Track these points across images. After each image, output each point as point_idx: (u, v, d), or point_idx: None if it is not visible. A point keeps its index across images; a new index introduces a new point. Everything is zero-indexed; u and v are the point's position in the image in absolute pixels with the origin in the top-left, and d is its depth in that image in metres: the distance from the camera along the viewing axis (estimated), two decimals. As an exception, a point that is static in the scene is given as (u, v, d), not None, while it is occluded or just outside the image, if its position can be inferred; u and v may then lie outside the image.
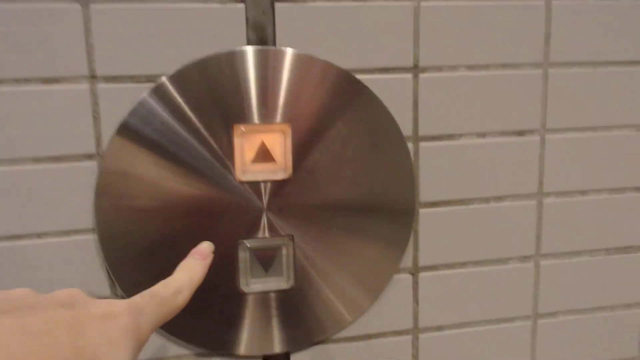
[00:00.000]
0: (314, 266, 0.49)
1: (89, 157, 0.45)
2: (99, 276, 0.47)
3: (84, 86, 0.44)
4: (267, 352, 0.49)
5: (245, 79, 0.45)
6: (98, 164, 0.45)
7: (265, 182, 0.47)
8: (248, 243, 0.47)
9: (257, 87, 0.45)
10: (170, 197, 0.45)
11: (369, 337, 0.51)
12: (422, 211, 0.50)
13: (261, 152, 0.47)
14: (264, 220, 0.47)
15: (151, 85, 0.44)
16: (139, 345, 0.28)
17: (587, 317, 0.55)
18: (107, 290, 0.47)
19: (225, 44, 0.45)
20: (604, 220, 0.53)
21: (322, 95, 0.46)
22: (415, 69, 0.48)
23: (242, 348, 0.49)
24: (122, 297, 0.47)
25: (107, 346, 0.26)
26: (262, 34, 0.45)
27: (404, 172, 0.49)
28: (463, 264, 0.52)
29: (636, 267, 0.55)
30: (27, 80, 0.43)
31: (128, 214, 0.45)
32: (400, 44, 0.47)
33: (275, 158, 0.47)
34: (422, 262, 0.51)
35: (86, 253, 0.46)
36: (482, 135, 0.50)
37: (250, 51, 0.45)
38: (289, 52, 0.45)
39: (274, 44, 0.46)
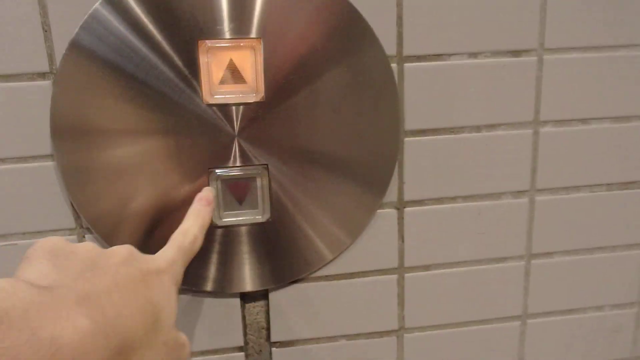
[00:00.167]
0: (291, 199, 0.45)
1: (42, 75, 0.41)
2: (63, 207, 0.43)
3: (32, -5, 0.40)
4: (244, 289, 0.46)
5: (210, -12, 0.41)
6: (53, 84, 0.41)
7: (236, 105, 0.43)
8: (218, 172, 0.44)
9: (224, -2, 0.41)
10: (131, 121, 0.42)
11: (351, 275, 0.48)
12: (407, 140, 0.47)
13: (230, 71, 0.43)
14: (235, 147, 0.44)
15: (106, -6, 0.40)
16: (178, 291, 0.34)
17: (585, 257, 0.52)
18: (72, 222, 0.44)
19: (187, -52, 0.40)
20: (606, 153, 0.49)
21: (299, 8, 0.42)
22: (400, -19, 0.44)
23: (218, 285, 0.46)
24: (88, 229, 0.43)
25: (163, 295, 0.31)
26: (228, -62, 0.41)
27: (387, 96, 0.45)
28: (452, 199, 0.48)
29: (639, 204, 0.51)
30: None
31: (87, 140, 0.42)
32: (383, -49, 0.43)
33: (246, 78, 0.43)
34: (407, 196, 0.48)
35: (47, 182, 0.43)
36: (474, 55, 0.46)
37: (215, -44, 0.41)
38: (259, -41, 0.41)
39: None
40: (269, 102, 0.43)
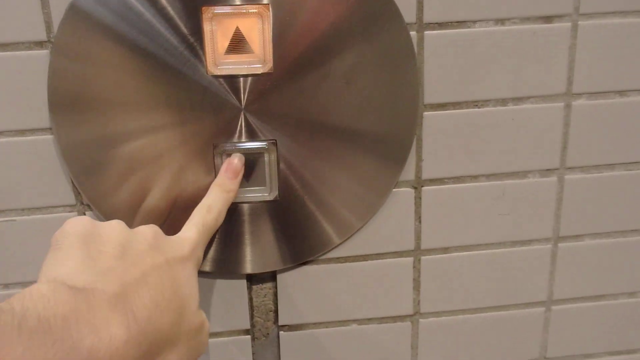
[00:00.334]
0: (301, 177, 0.43)
1: (40, 44, 0.39)
2: (63, 183, 0.42)
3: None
4: (250, 270, 0.44)
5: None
6: (50, 53, 0.39)
7: (243, 77, 0.40)
8: (224, 147, 0.42)
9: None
10: (132, 93, 0.40)
11: (364, 257, 0.46)
12: (427, 114, 0.43)
13: (236, 40, 0.40)
14: (242, 121, 0.41)
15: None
16: (197, 267, 0.34)
17: (617, 241, 0.49)
18: (72, 199, 0.42)
19: None
20: (643, 129, 0.46)
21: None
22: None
23: (222, 265, 0.44)
24: (88, 206, 0.42)
25: (188, 284, 0.31)
26: None
27: (406, 67, 0.42)
28: (474, 177, 0.45)
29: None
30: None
31: (87, 113, 0.40)
32: None
33: (253, 48, 0.40)
34: (426, 175, 0.45)
35: (47, 156, 0.41)
36: (501, 21, 0.42)
37: None
38: None
39: None
40: (278, 73, 0.40)
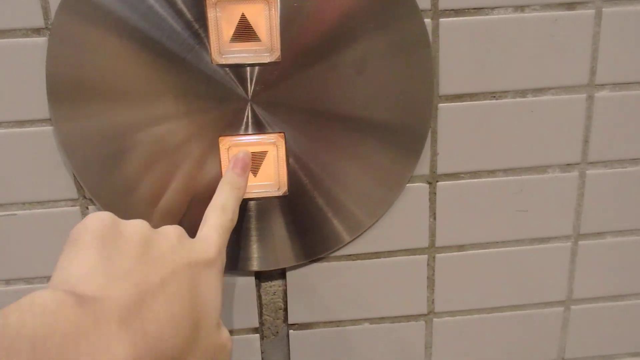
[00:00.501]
0: (310, 171, 0.41)
1: (37, 31, 0.38)
2: (65, 176, 0.40)
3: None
4: (258, 267, 0.43)
5: None
6: (48, 40, 0.37)
7: (249, 66, 0.39)
8: (230, 140, 0.40)
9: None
10: (134, 82, 0.38)
11: (376, 255, 0.44)
12: (442, 106, 0.41)
13: (242, 27, 0.38)
14: (249, 113, 0.40)
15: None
16: (222, 270, 0.32)
17: (638, 239, 0.46)
18: (74, 192, 0.41)
19: None
20: (670, 121, 0.43)
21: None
22: None
23: (229, 262, 0.42)
24: (91, 201, 0.40)
25: (211, 291, 0.29)
26: None
27: (420, 56, 0.40)
28: (491, 172, 0.43)
29: None
30: None
31: (86, 103, 0.38)
32: None
33: (260, 35, 0.38)
34: (441, 169, 0.43)
35: (47, 148, 0.40)
36: (520, 8, 0.40)
37: None
38: None
39: None
40: (286, 62, 0.39)
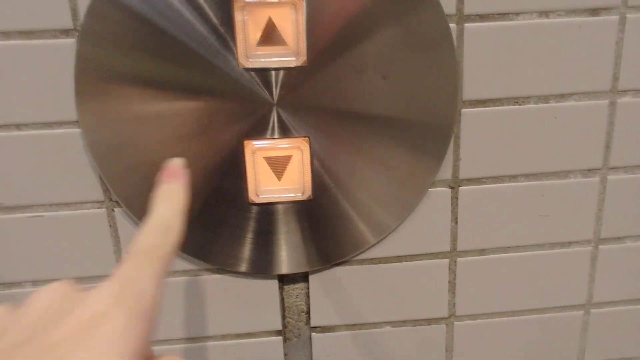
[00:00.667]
0: (334, 176, 0.41)
1: (65, 32, 0.38)
2: (91, 178, 0.40)
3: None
4: (282, 271, 0.43)
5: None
6: (77, 42, 0.38)
7: (275, 70, 0.39)
8: (255, 144, 0.40)
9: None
10: (161, 85, 0.38)
11: (398, 259, 0.44)
12: (465, 111, 0.42)
13: (268, 31, 0.38)
14: (274, 117, 0.40)
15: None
16: (144, 318, 0.22)
17: (661, 244, 0.46)
18: (100, 195, 0.41)
19: None
20: (692, 127, 0.43)
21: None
22: None
23: (254, 266, 0.43)
24: (117, 203, 0.41)
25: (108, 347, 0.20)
26: None
27: (444, 60, 0.40)
28: (513, 177, 0.43)
29: None
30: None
31: (114, 105, 0.39)
32: None
33: (286, 39, 0.39)
34: (463, 174, 0.43)
35: (74, 150, 0.40)
36: (545, 14, 0.40)
37: None
38: None
39: None
40: (312, 66, 0.39)
